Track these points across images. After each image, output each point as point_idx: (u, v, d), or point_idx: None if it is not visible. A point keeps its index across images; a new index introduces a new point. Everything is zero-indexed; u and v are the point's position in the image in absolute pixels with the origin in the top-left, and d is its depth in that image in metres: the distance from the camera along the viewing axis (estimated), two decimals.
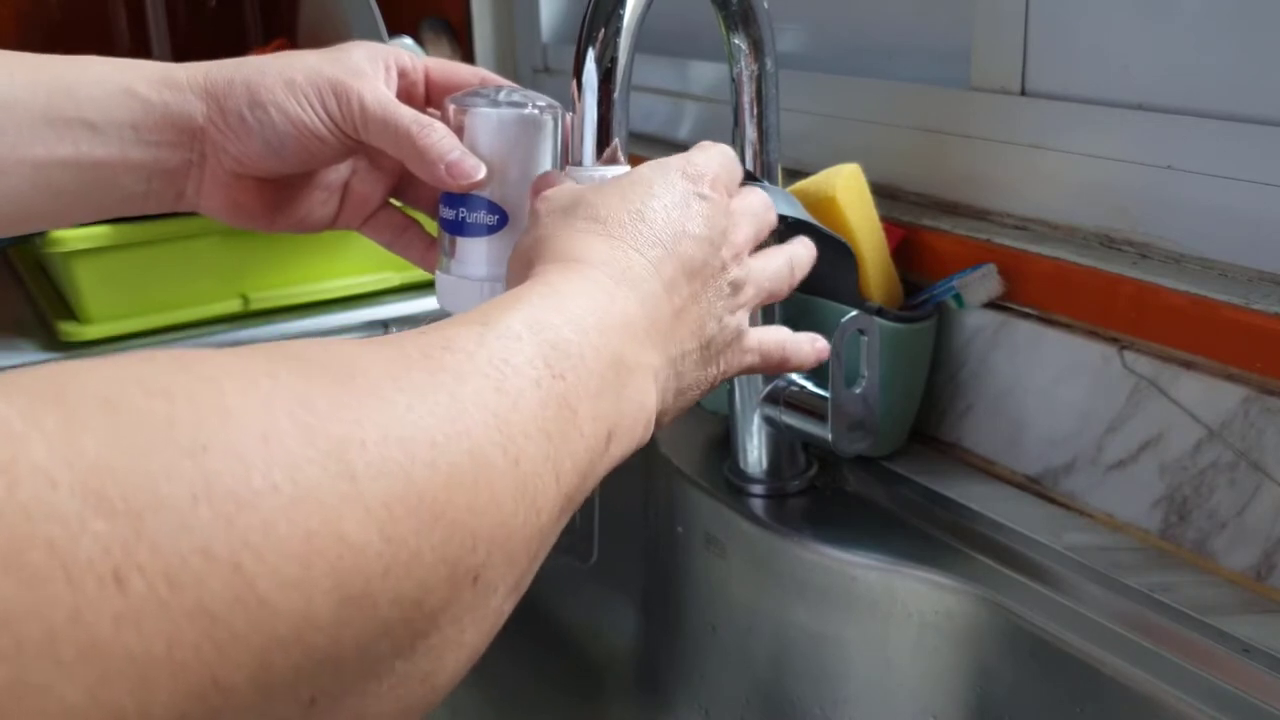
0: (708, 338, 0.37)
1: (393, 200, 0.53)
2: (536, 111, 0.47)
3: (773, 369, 0.44)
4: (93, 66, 0.44)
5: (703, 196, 0.38)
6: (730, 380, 0.57)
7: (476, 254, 0.47)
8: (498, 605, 0.24)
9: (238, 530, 0.17)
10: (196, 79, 0.45)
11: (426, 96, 0.51)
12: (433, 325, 0.27)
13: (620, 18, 0.43)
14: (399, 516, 0.20)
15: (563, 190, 0.39)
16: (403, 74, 0.48)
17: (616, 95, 0.43)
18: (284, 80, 0.44)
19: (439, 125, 0.45)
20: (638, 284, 0.33)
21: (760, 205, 0.42)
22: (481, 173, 0.45)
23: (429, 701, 0.23)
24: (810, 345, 0.46)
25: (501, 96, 0.47)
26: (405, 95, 0.48)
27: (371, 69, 0.46)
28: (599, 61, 0.43)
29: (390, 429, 0.21)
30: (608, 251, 0.34)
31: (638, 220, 0.36)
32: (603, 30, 0.43)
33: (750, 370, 0.43)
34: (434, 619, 0.21)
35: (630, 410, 0.31)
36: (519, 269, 0.35)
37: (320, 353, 0.22)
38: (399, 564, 0.20)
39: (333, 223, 0.51)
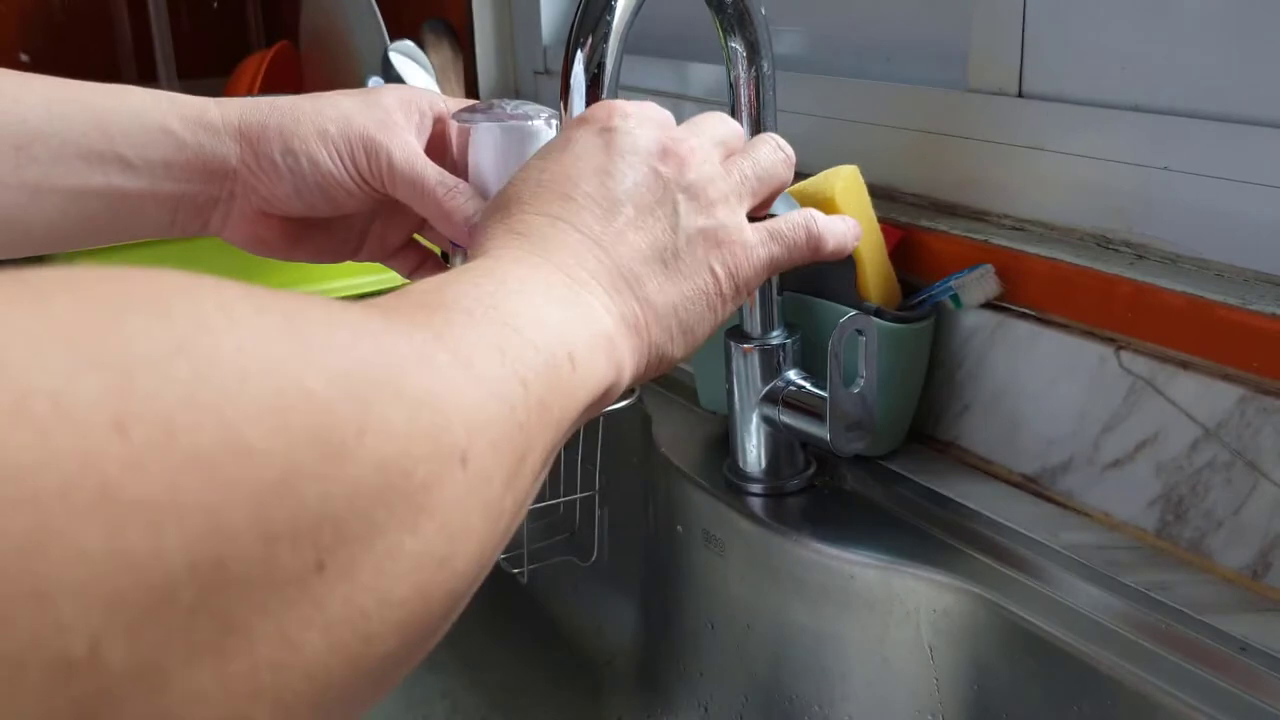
0: (666, 249, 0.37)
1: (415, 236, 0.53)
2: (538, 123, 0.47)
3: (803, 255, 0.43)
4: (130, 98, 0.44)
5: (607, 129, 0.38)
6: (730, 379, 0.57)
7: None
8: (498, 496, 0.25)
9: (216, 382, 0.18)
10: (231, 120, 0.46)
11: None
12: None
13: (609, 22, 0.43)
14: (359, 384, 0.21)
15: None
16: (437, 119, 0.49)
17: (604, 98, 0.43)
18: (317, 130, 0.45)
19: (463, 187, 0.46)
20: (547, 240, 0.34)
21: (709, 117, 0.42)
22: None
23: (454, 590, 0.23)
24: (843, 224, 0.44)
25: (504, 109, 0.48)
26: (438, 139, 0.49)
27: (404, 118, 0.47)
28: (587, 65, 0.43)
29: (337, 316, 0.23)
30: (503, 233, 0.35)
31: (535, 187, 0.36)
32: (591, 34, 0.43)
33: (776, 263, 0.41)
34: (429, 494, 0.22)
35: (581, 334, 0.31)
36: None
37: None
38: (371, 428, 0.21)
39: (352, 257, 0.52)
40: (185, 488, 0.17)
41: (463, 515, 0.23)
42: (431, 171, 0.46)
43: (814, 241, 0.43)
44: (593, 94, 0.43)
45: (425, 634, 0.23)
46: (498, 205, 0.37)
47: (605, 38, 0.43)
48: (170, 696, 0.17)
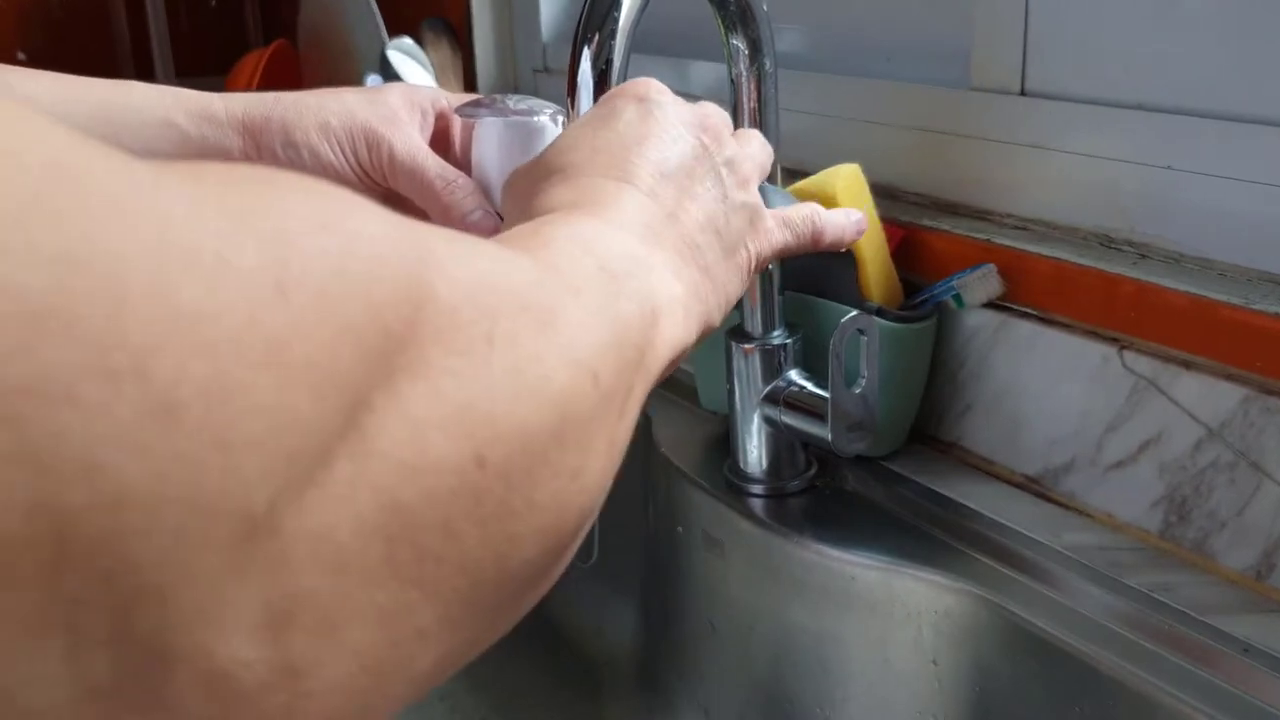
0: (718, 221, 0.38)
1: None
2: (542, 119, 0.47)
3: (805, 247, 0.43)
4: (134, 93, 0.45)
5: (647, 100, 0.39)
6: (731, 379, 0.57)
7: None
8: (614, 423, 0.26)
9: (361, 260, 0.18)
10: (235, 114, 0.46)
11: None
12: None
13: (616, 19, 0.43)
14: (484, 294, 0.22)
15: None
16: (440, 116, 0.49)
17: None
18: (319, 123, 0.46)
19: (463, 181, 0.46)
20: (617, 204, 0.34)
21: (706, 104, 0.43)
22: (500, 231, 0.45)
23: (581, 508, 0.24)
24: (845, 217, 0.45)
25: (507, 105, 0.48)
26: (441, 137, 0.49)
27: (408, 114, 0.48)
28: (594, 61, 0.43)
29: (455, 233, 0.23)
30: (571, 195, 0.35)
31: (591, 153, 0.36)
32: (598, 31, 0.43)
33: (785, 250, 0.42)
34: (567, 402, 0.23)
35: (662, 294, 0.32)
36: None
37: None
38: (500, 337, 0.22)
39: None
40: (343, 356, 0.17)
41: (590, 432, 0.24)
42: (432, 164, 0.46)
43: (817, 234, 0.44)
44: (600, 91, 0.43)
45: (556, 549, 0.23)
46: (552, 169, 0.36)
47: (612, 34, 0.43)
48: (325, 564, 0.17)
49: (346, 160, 0.46)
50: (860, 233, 0.46)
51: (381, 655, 0.18)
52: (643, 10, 0.44)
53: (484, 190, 0.47)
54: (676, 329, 0.32)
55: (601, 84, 0.43)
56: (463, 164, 0.48)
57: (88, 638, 0.14)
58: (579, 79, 0.43)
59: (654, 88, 0.40)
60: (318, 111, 0.46)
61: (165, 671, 0.15)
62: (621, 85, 0.40)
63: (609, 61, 0.43)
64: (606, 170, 0.36)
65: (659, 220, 0.35)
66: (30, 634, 0.14)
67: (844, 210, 0.46)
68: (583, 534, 0.25)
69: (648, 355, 0.29)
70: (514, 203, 0.37)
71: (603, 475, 0.25)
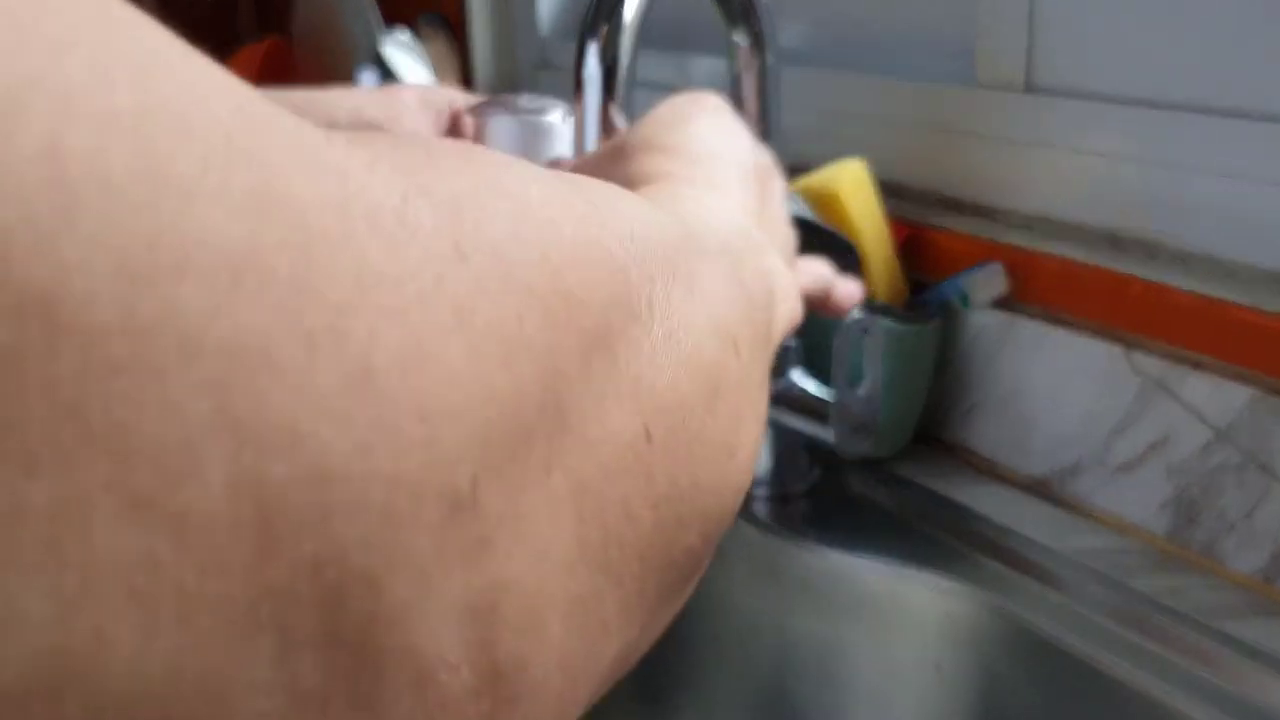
0: (785, 234, 0.38)
1: None
2: (551, 118, 0.48)
3: (813, 304, 0.43)
4: None
5: (731, 113, 0.39)
6: None
7: None
8: (758, 397, 0.26)
9: (534, 223, 0.18)
10: None
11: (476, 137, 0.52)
12: None
13: (622, 14, 0.42)
14: (646, 259, 0.21)
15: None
16: (454, 116, 0.50)
17: (620, 92, 0.42)
18: (327, 120, 0.46)
19: None
20: (721, 182, 0.34)
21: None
22: None
23: (738, 486, 0.24)
24: (844, 288, 0.45)
25: (519, 105, 0.48)
26: (453, 135, 0.50)
27: (419, 113, 0.48)
28: (601, 58, 0.42)
29: (614, 189, 0.23)
30: (674, 166, 0.34)
31: (705, 154, 0.36)
32: (605, 26, 0.42)
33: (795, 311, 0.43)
34: (721, 373, 0.23)
35: (776, 273, 0.32)
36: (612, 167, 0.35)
37: None
38: (658, 298, 0.21)
39: None
40: (529, 321, 0.16)
41: (740, 405, 0.23)
42: None
43: (825, 301, 0.44)
44: (607, 88, 0.42)
45: (716, 534, 0.23)
46: (650, 144, 0.36)
47: (620, 29, 0.42)
48: (527, 550, 0.16)
49: None
50: (853, 303, 0.46)
51: (575, 650, 0.17)
52: (650, 4, 0.43)
53: None
54: (790, 310, 0.32)
55: (609, 79, 0.42)
56: None
57: (297, 637, 0.13)
58: (585, 75, 0.42)
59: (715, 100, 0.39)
60: (326, 108, 0.46)
61: (375, 675, 0.14)
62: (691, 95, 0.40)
63: (615, 56, 0.42)
64: (699, 155, 0.35)
65: (757, 208, 0.35)
66: (242, 634, 0.12)
67: (854, 283, 0.45)
68: (731, 520, 0.25)
69: (772, 331, 0.29)
70: (602, 170, 0.36)
71: (754, 452, 0.25)
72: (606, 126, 0.43)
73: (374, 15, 0.93)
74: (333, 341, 0.13)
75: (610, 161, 0.35)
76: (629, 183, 0.32)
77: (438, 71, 0.97)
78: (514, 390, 0.15)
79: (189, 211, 0.12)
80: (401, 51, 0.90)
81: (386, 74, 0.88)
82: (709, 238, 0.27)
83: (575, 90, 0.43)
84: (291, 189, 0.13)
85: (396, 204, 0.15)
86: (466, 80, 1.02)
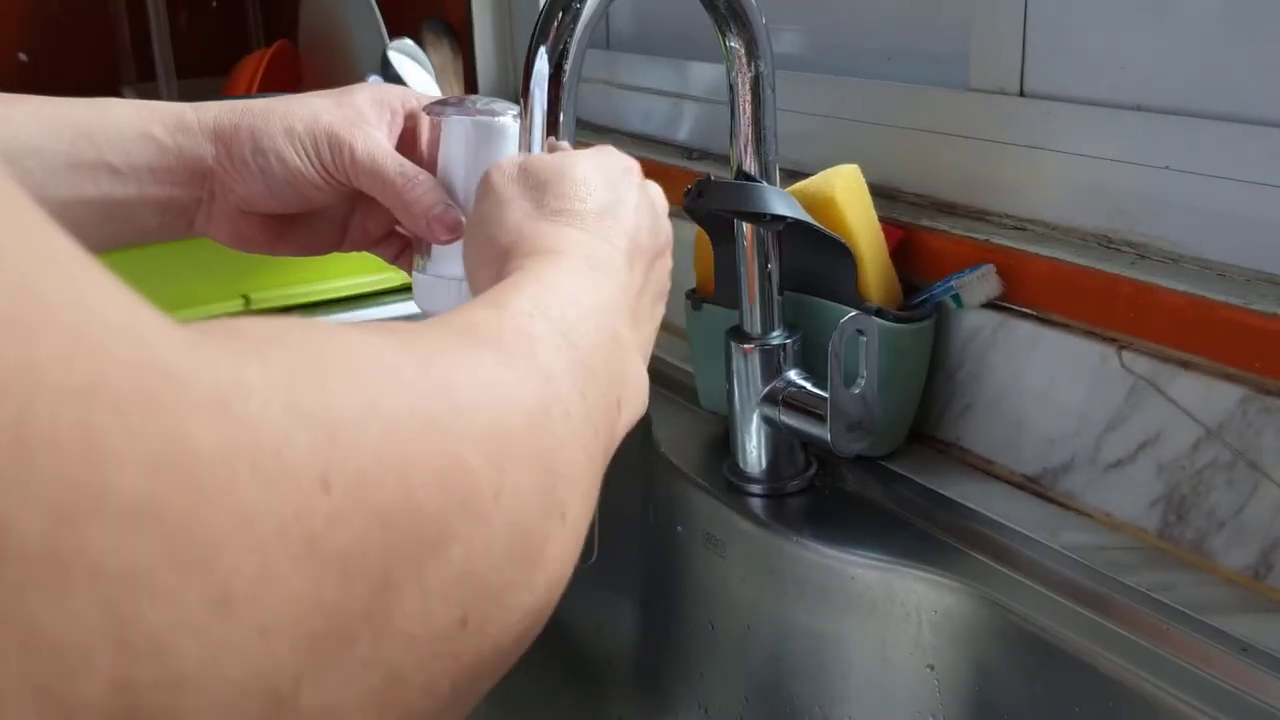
0: (659, 310, 0.41)
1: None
2: (505, 119, 0.48)
3: None
4: (111, 109, 0.46)
5: (643, 188, 0.41)
6: (730, 379, 0.57)
7: (452, 255, 0.48)
8: (576, 539, 0.27)
9: (396, 446, 0.20)
10: (206, 122, 0.47)
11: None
12: (441, 317, 0.29)
13: (576, 17, 0.44)
14: (499, 451, 0.23)
15: (510, 160, 0.40)
16: (409, 116, 0.50)
17: (565, 89, 0.43)
18: (284, 128, 0.47)
19: (424, 178, 0.47)
20: (612, 272, 0.36)
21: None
22: (463, 226, 0.46)
23: (532, 631, 0.25)
24: None
25: (474, 105, 0.49)
26: (410, 135, 0.50)
27: (375, 115, 0.48)
28: (550, 57, 0.43)
29: (478, 376, 0.24)
30: (584, 241, 0.36)
31: (606, 215, 0.38)
32: (555, 26, 0.43)
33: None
34: (543, 550, 0.24)
35: (633, 378, 0.34)
36: (491, 257, 0.36)
37: (399, 330, 0.25)
38: (506, 490, 0.23)
39: (337, 248, 0.54)
40: (373, 540, 0.19)
41: (556, 569, 0.25)
42: (392, 163, 0.47)
43: None
44: (554, 87, 0.43)
45: (506, 669, 0.25)
46: (557, 211, 0.38)
47: (571, 31, 0.43)
48: None
49: (311, 164, 0.47)
50: None
51: None
52: (601, 12, 0.44)
53: (448, 186, 0.48)
54: (635, 411, 0.34)
55: (555, 77, 0.43)
56: (430, 161, 0.49)
57: None
58: (534, 73, 0.43)
59: (639, 173, 0.41)
60: (284, 118, 0.47)
61: None
62: (617, 153, 0.42)
63: (564, 55, 0.44)
64: (615, 237, 0.37)
65: (632, 299, 0.37)
66: None
67: None
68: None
69: (613, 440, 0.32)
70: (510, 199, 0.38)
71: (556, 593, 0.26)
72: (552, 126, 0.44)
73: (379, 21, 0.94)
74: (203, 573, 0.16)
75: (523, 196, 0.37)
76: (520, 243, 0.35)
77: (441, 77, 0.98)
78: (344, 603, 0.18)
79: (114, 471, 0.15)
80: (406, 58, 0.91)
81: (392, 80, 0.89)
82: (566, 382, 0.28)
83: (522, 93, 0.44)
84: (197, 445, 0.16)
85: (280, 445, 0.17)
86: (470, 86, 1.03)
